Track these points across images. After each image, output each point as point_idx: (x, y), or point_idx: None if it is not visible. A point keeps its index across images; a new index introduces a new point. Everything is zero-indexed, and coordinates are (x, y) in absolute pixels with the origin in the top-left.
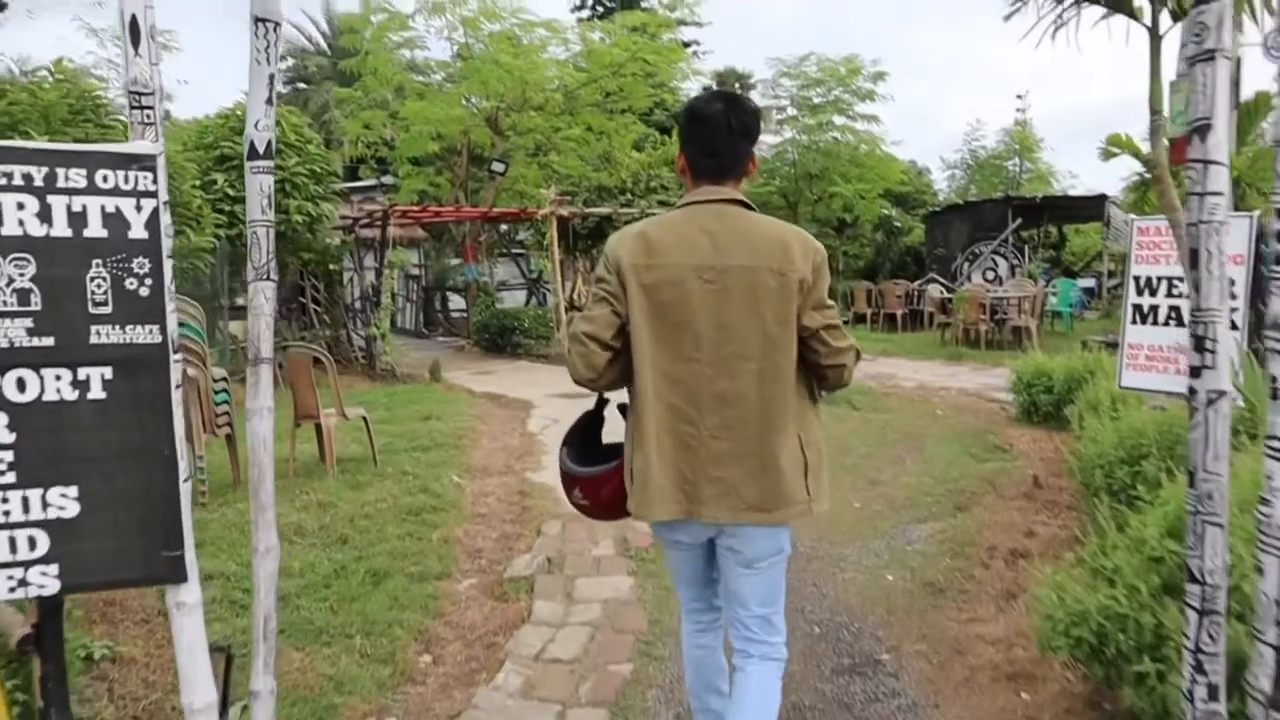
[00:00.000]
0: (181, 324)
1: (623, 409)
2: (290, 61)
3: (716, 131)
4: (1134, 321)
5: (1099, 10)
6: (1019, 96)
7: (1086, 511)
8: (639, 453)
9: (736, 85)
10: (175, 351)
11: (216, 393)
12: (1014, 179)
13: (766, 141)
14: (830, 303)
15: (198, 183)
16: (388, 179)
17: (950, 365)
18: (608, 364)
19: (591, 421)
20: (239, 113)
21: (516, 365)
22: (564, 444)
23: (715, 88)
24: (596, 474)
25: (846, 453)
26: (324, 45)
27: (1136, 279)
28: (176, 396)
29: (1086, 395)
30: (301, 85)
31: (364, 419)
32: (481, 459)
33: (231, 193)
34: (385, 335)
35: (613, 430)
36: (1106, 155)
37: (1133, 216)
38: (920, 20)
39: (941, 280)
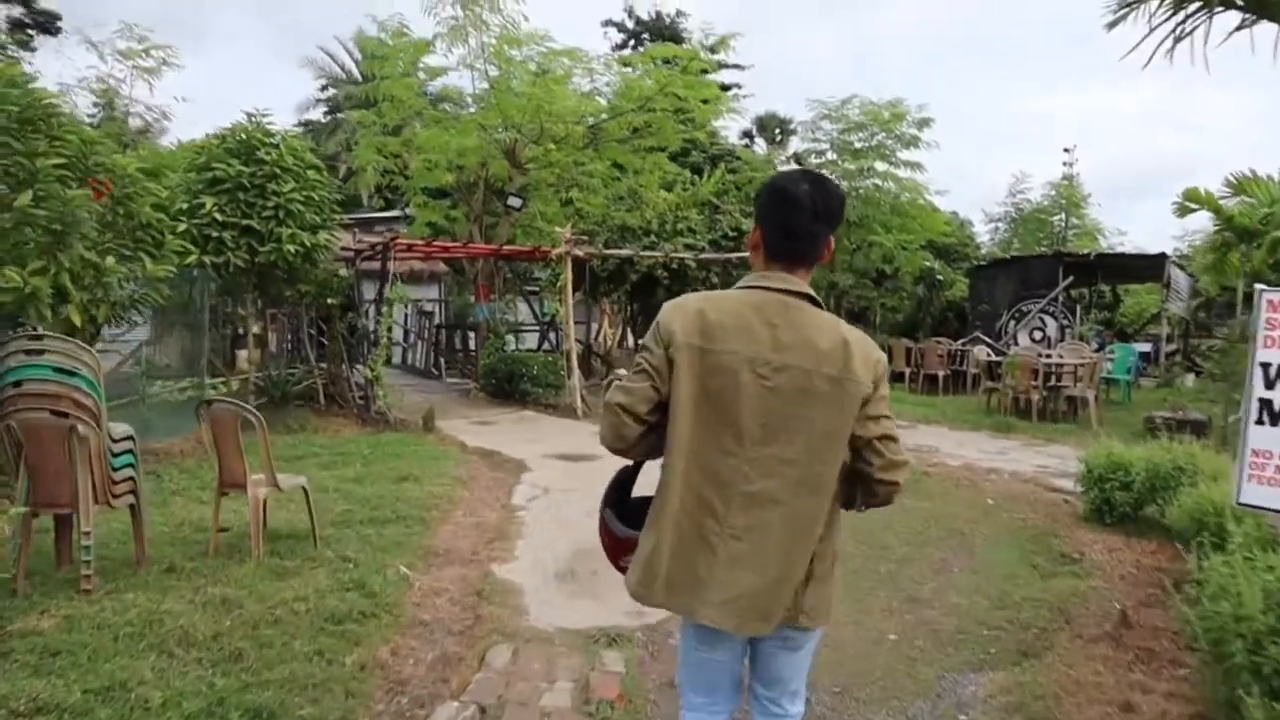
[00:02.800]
0: (71, 372)
1: None
2: (325, 89)
3: (799, 214)
4: (1260, 421)
5: (1234, 18)
6: (1066, 150)
7: (1208, 682)
8: (651, 532)
9: (777, 130)
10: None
11: (116, 455)
12: (1060, 234)
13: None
14: (889, 414)
15: (184, 205)
16: (411, 210)
17: (999, 439)
18: (639, 437)
19: (629, 475)
20: (237, 133)
21: (520, 415)
22: (605, 505)
23: (754, 132)
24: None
25: (881, 554)
26: (356, 74)
27: (1265, 367)
28: None
29: (1183, 503)
30: (339, 115)
31: (304, 489)
32: (446, 539)
33: (220, 217)
34: (379, 378)
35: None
36: (1183, 211)
37: (1186, 277)
38: (965, 71)
39: (987, 340)
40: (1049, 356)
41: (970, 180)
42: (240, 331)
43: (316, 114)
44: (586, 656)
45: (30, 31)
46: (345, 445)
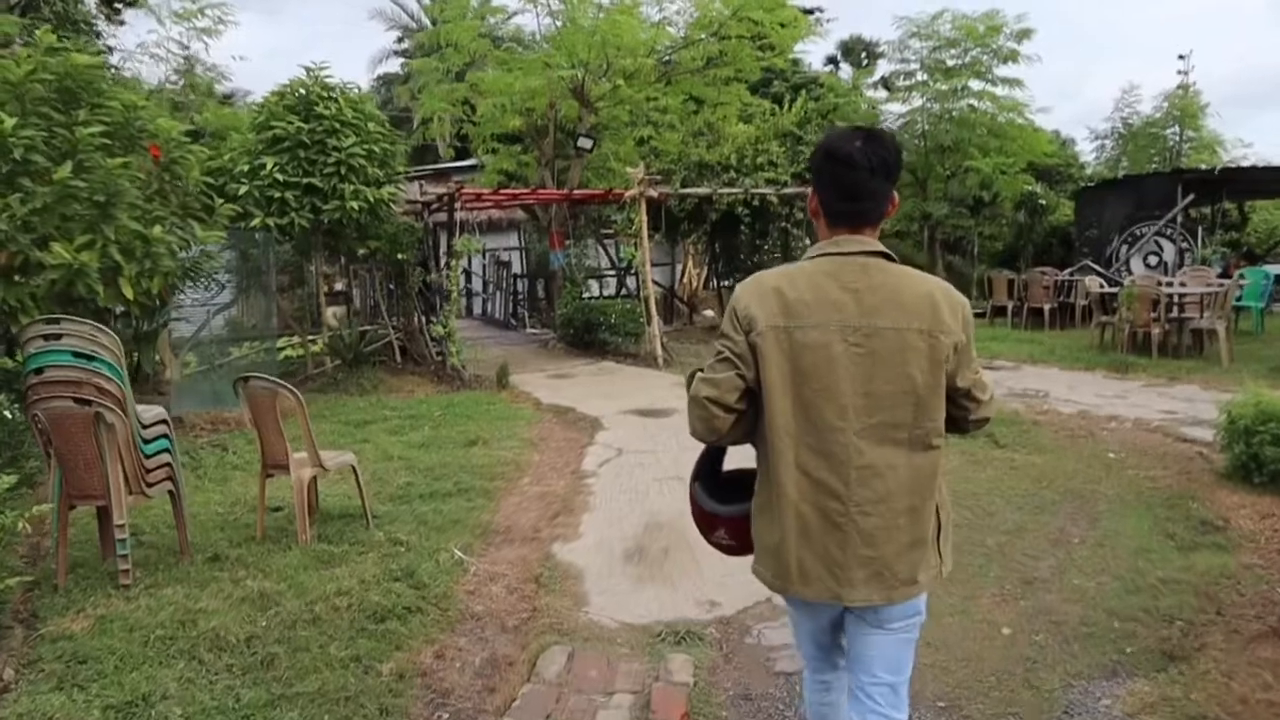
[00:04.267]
0: (90, 356)
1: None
2: (400, 40)
3: (855, 173)
4: None
5: None
6: (1181, 57)
7: None
8: (773, 525)
9: (863, 55)
10: None
11: (148, 441)
12: (1174, 150)
13: (893, 111)
14: (975, 355)
15: (245, 167)
16: (488, 159)
17: (1117, 380)
18: (731, 425)
19: (721, 447)
20: (296, 89)
21: (599, 367)
22: (695, 479)
23: (839, 57)
24: (745, 512)
25: (987, 523)
26: (426, 22)
27: None
28: None
29: None
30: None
31: (353, 469)
32: (508, 514)
33: (281, 178)
34: (452, 334)
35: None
36: None
37: None
38: None
39: (1098, 269)
40: (1170, 285)
41: (1072, 96)
42: (327, 290)
43: (394, 66)
44: (651, 660)
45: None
46: (417, 407)
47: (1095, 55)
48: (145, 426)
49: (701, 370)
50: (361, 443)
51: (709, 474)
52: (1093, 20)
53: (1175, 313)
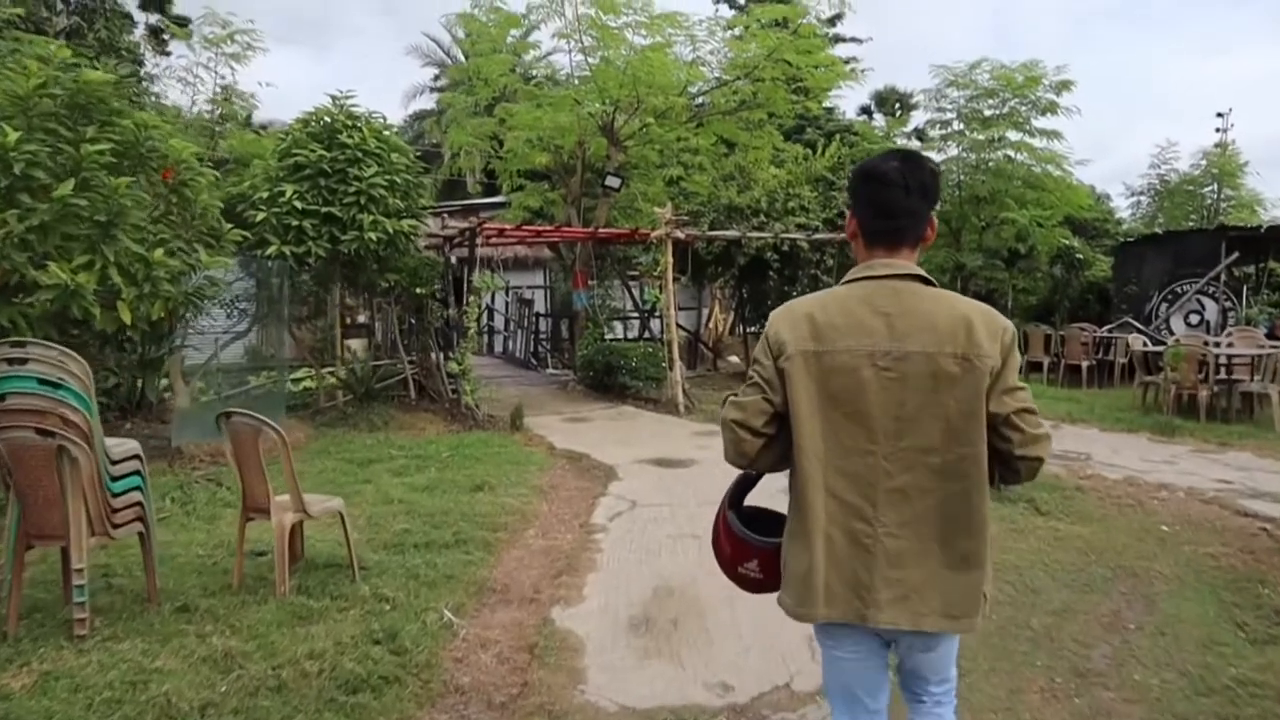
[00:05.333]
0: (57, 384)
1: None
2: (437, 78)
3: (892, 191)
4: None
5: None
6: (1220, 115)
7: None
8: (801, 548)
9: (897, 105)
10: None
11: (116, 479)
12: (1212, 207)
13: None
14: (1022, 385)
15: (265, 194)
16: (515, 195)
17: (1163, 443)
18: (761, 450)
19: (754, 477)
20: (321, 117)
21: (618, 411)
22: (728, 506)
23: (873, 107)
24: (778, 545)
25: (1031, 601)
26: (460, 57)
27: None
28: None
29: None
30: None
31: (340, 515)
32: (508, 570)
33: (300, 205)
34: (466, 372)
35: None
36: None
37: None
38: (1099, 38)
39: (1138, 326)
40: (1217, 345)
41: (1108, 151)
42: (348, 321)
43: (429, 102)
44: None
45: (165, 36)
46: (426, 446)
47: (1130, 112)
48: (115, 462)
49: (734, 395)
50: (363, 483)
51: (740, 503)
52: (1129, 78)
53: (1223, 374)
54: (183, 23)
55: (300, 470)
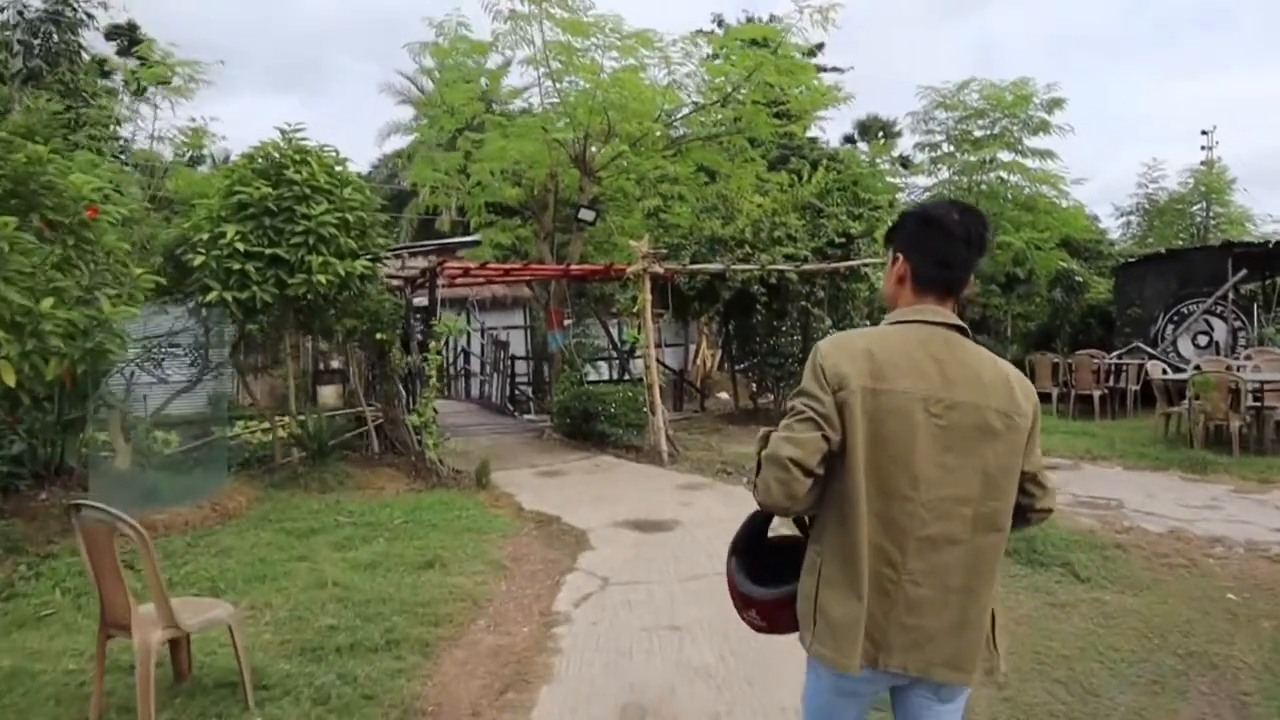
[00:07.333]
0: None
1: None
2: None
3: (952, 241)
4: None
5: None
6: (1204, 133)
7: None
8: (848, 595)
9: (880, 133)
10: None
11: None
12: (1202, 225)
13: (919, 184)
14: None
15: (204, 235)
16: (484, 232)
17: (1197, 482)
18: (807, 492)
19: (765, 519)
20: (269, 151)
21: (596, 462)
22: (734, 552)
23: (856, 136)
24: (780, 597)
25: (1092, 709)
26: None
27: None
28: None
29: None
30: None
31: (229, 628)
32: (444, 683)
33: (243, 248)
34: (428, 424)
35: None
36: None
37: None
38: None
39: (1150, 351)
40: (1242, 368)
41: (1093, 172)
42: (320, 367)
43: (406, 141)
44: None
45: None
46: (379, 510)
47: (1111, 136)
48: None
49: (774, 430)
50: (298, 560)
51: (750, 548)
52: (1113, 99)
53: (1252, 402)
54: (143, 59)
55: (229, 546)
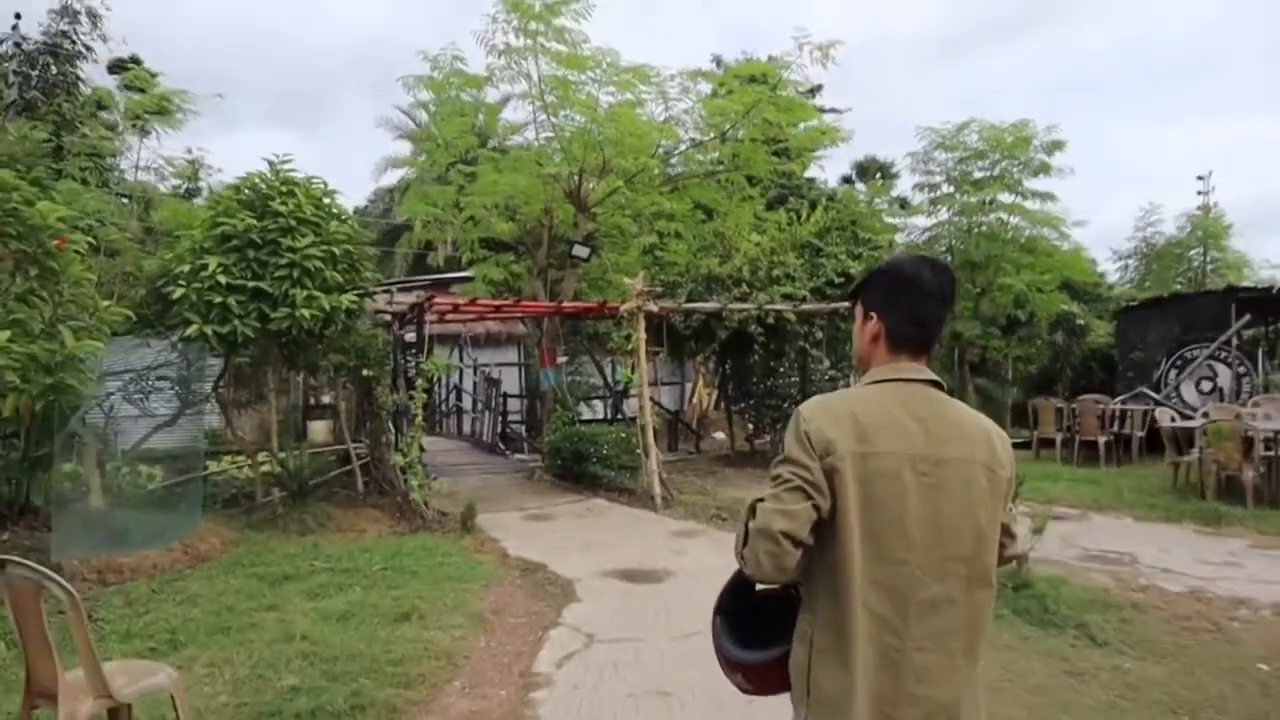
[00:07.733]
0: None
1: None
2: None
3: (927, 300)
4: None
5: None
6: (1200, 178)
7: None
8: (839, 669)
9: (878, 174)
10: None
11: None
12: (1200, 270)
13: (918, 225)
14: None
15: (186, 267)
16: (477, 267)
17: (1212, 535)
18: (797, 563)
19: (745, 583)
20: (255, 182)
21: (587, 506)
22: (718, 611)
23: (854, 177)
24: (768, 660)
25: None
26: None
27: None
28: None
29: None
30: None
31: (171, 697)
32: None
33: (225, 280)
34: (412, 465)
35: None
36: None
37: None
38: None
39: (1155, 396)
40: (1254, 416)
41: (1089, 215)
42: (312, 402)
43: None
44: None
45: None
46: (358, 556)
47: (1111, 176)
48: None
49: (762, 500)
50: (266, 610)
51: (736, 606)
52: (1110, 144)
53: (1266, 451)
54: (131, 86)
55: (196, 593)
